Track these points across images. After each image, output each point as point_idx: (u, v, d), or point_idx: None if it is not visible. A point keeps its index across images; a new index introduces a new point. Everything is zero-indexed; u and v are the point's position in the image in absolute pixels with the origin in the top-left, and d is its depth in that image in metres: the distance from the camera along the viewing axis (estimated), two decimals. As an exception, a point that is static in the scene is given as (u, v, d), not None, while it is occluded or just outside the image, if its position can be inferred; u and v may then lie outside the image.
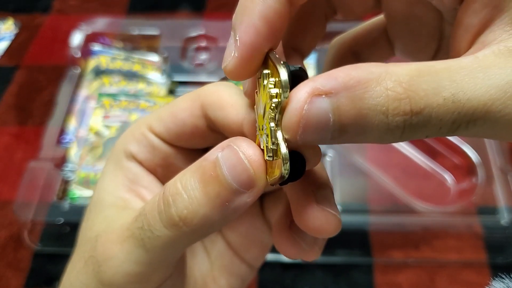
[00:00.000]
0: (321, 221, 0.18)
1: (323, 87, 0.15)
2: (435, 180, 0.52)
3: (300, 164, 0.17)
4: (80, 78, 0.59)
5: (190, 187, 0.17)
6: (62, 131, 0.53)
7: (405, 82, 0.15)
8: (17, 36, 0.67)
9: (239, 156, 0.17)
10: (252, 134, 0.19)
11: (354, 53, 0.25)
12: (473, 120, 0.15)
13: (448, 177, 0.52)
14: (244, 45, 0.16)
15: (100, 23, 0.62)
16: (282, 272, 0.47)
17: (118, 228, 0.20)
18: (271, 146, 0.16)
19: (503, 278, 0.22)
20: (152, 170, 0.23)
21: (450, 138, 0.53)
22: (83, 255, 0.21)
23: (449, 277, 0.46)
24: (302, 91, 0.15)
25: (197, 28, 0.62)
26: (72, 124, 0.55)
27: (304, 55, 0.23)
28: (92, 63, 0.60)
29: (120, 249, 0.19)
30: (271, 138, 0.16)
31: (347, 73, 0.15)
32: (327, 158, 0.51)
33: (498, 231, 0.46)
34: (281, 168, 0.16)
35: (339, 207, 0.47)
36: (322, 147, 0.51)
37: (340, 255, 0.48)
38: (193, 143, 0.23)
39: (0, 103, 0.60)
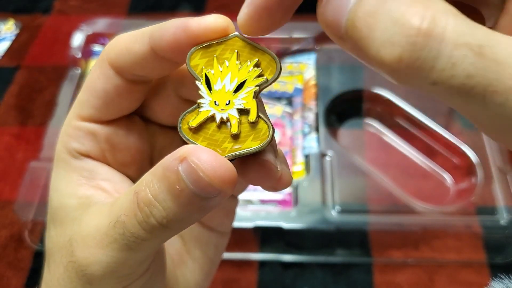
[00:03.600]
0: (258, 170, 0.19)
1: None
2: (435, 180, 0.52)
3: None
4: (80, 78, 0.59)
5: (162, 199, 0.18)
6: (62, 131, 0.54)
7: (433, 8, 0.14)
8: (18, 36, 0.67)
9: (198, 175, 0.17)
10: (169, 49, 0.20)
11: None
12: (491, 90, 0.13)
13: (447, 177, 0.52)
14: (251, 5, 0.17)
15: (101, 23, 0.62)
16: (282, 272, 0.47)
17: (93, 232, 0.20)
18: (254, 120, 0.18)
19: (502, 278, 0.22)
20: (102, 159, 0.23)
21: (450, 137, 0.53)
22: (61, 261, 0.21)
23: (449, 277, 0.46)
24: None
25: (197, 29, 0.62)
26: (72, 124, 0.55)
27: None
28: (92, 63, 0.61)
29: (104, 253, 0.19)
30: (258, 112, 0.18)
31: None
32: (327, 158, 0.51)
33: (497, 231, 0.46)
34: (267, 138, 0.18)
35: (338, 207, 0.48)
36: (322, 147, 0.51)
37: (339, 255, 0.48)
38: (125, 106, 0.23)
39: (0, 103, 0.61)
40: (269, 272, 0.47)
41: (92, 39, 0.62)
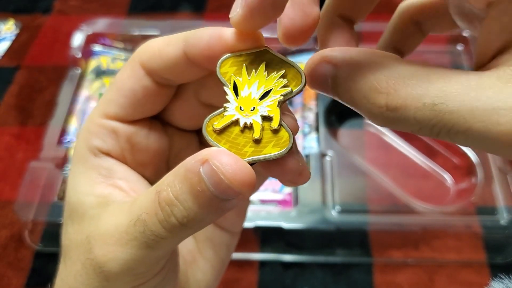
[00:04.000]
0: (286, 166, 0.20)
1: (330, 58, 0.19)
2: (435, 180, 0.52)
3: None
4: (81, 78, 0.59)
5: (183, 199, 0.18)
6: (63, 132, 0.54)
7: (393, 79, 0.17)
8: (18, 36, 0.67)
9: (219, 177, 0.18)
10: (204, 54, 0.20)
11: (416, 22, 0.25)
12: (454, 132, 0.16)
13: (448, 177, 0.52)
14: (248, 7, 0.18)
15: (101, 23, 0.62)
16: (282, 272, 0.47)
17: (113, 230, 0.20)
18: (276, 127, 0.19)
19: (502, 278, 0.22)
20: (121, 158, 0.24)
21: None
22: (78, 258, 0.21)
23: (449, 277, 0.46)
24: (317, 56, 0.19)
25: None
26: (73, 124, 0.55)
27: (353, 23, 0.23)
28: (92, 63, 0.61)
29: (123, 251, 0.20)
30: (280, 120, 0.19)
31: (357, 53, 0.18)
32: (327, 158, 0.51)
33: (497, 231, 0.46)
34: (287, 146, 0.19)
35: (338, 207, 0.48)
36: (322, 147, 0.51)
37: (340, 255, 0.48)
38: (150, 108, 0.23)
39: (1, 104, 0.61)
40: (270, 272, 0.47)
41: (92, 39, 0.62)
